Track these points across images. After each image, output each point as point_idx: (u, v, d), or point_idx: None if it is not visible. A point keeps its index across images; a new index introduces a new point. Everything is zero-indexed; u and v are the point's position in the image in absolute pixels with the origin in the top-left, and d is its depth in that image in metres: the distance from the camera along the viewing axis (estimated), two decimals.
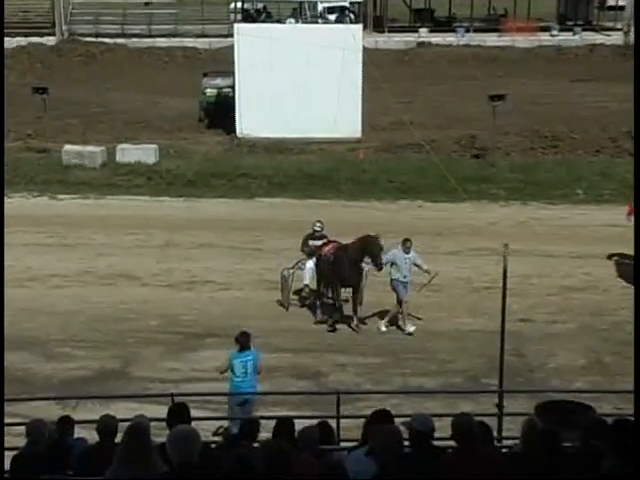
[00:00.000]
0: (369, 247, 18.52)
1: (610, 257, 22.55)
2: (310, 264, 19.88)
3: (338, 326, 19.26)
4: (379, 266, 18.52)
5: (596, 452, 6.85)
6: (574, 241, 23.69)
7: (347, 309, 19.40)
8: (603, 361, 17.92)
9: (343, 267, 18.85)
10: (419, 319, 19.24)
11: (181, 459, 6.41)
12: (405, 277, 18.80)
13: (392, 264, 18.81)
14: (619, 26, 65.16)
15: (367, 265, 18.89)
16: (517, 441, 9.00)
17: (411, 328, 18.97)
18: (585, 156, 33.35)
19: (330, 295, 19.78)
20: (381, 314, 19.49)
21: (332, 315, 19.30)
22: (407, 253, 18.83)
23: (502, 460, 8.56)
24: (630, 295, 20.46)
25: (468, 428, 8.02)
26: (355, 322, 19.11)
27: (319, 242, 19.94)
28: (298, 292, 20.27)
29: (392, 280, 18.92)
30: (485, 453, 8.22)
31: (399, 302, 18.96)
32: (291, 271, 19.98)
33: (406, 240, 18.93)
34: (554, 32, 65.53)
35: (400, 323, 19.23)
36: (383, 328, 19.16)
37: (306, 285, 20.04)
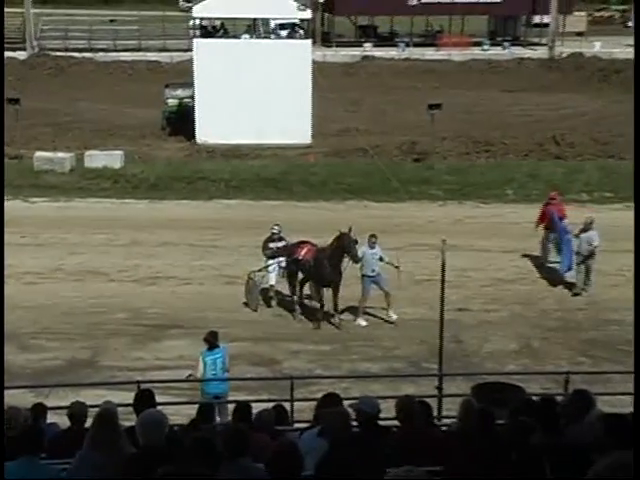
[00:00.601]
0: (343, 243, 18.20)
1: None
2: (274, 267, 19.63)
3: (295, 316, 19.32)
4: (355, 259, 18.20)
5: (525, 427, 6.90)
6: (505, 237, 23.86)
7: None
8: (532, 346, 18.08)
9: (324, 269, 18.55)
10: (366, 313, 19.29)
11: (149, 442, 6.38)
12: (373, 271, 18.60)
13: (363, 257, 18.55)
14: (544, 41, 65.84)
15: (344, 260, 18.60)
16: (455, 420, 9.05)
17: (363, 322, 18.87)
18: (514, 159, 33.63)
19: (313, 295, 19.41)
20: (350, 309, 19.36)
21: (316, 314, 18.94)
22: (372, 248, 18.63)
23: (442, 437, 8.60)
24: (556, 286, 20.77)
25: (410, 409, 8.04)
26: (337, 319, 18.84)
27: (280, 244, 19.69)
28: (264, 293, 20.02)
29: (362, 276, 18.74)
30: (426, 431, 8.24)
31: (363, 296, 18.84)
32: (260, 274, 19.70)
33: (371, 236, 18.76)
34: (485, 47, 66.04)
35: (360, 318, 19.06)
36: (363, 323, 18.88)
37: (272, 286, 19.83)
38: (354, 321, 18.98)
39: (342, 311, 19.11)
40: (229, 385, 14.46)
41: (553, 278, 21.29)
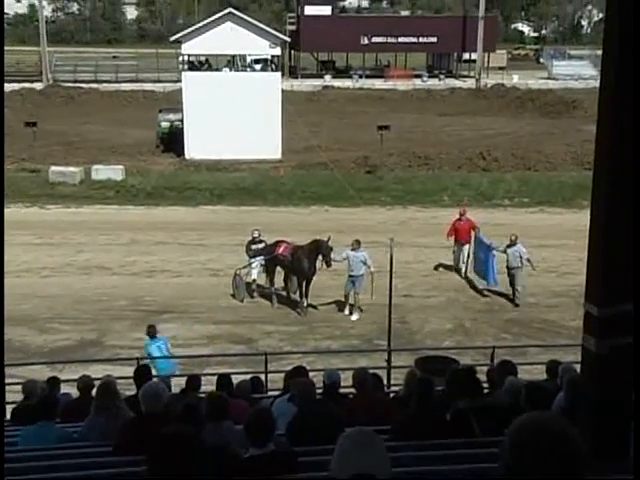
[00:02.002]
0: (320, 248, 17.97)
1: None
2: (256, 264, 19.45)
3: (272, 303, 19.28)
4: (329, 263, 17.88)
5: (456, 393, 6.93)
6: (442, 235, 23.92)
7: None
8: (464, 325, 18.18)
9: (302, 263, 18.36)
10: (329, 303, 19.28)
11: (149, 408, 6.35)
12: (352, 271, 18.20)
13: (347, 259, 18.21)
14: (472, 74, 66.24)
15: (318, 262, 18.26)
16: (401, 387, 9.08)
17: (354, 317, 18.44)
18: (449, 171, 33.75)
19: (287, 287, 19.27)
20: (336, 304, 19.06)
21: (298, 304, 18.74)
22: (355, 252, 18.18)
23: (389, 402, 8.63)
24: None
25: (364, 379, 8.06)
26: (306, 305, 18.62)
27: (260, 245, 19.46)
28: (247, 286, 19.78)
29: (348, 275, 18.36)
30: (377, 397, 8.26)
31: (346, 293, 18.51)
32: (244, 271, 19.51)
33: (354, 241, 18.36)
34: (425, 78, 66.38)
35: (346, 309, 18.73)
36: (354, 317, 18.42)
37: (254, 280, 19.65)
38: (350, 315, 18.50)
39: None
40: (176, 367, 14.28)
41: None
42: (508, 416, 5.82)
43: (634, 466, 3.89)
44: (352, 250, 18.26)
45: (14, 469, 5.69)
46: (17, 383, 11.50)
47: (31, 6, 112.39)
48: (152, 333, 14.31)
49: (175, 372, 14.01)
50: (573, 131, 41.84)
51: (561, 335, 16.72)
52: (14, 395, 11.26)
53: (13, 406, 9.97)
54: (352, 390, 8.36)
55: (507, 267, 19.01)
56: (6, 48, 77.14)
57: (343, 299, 18.72)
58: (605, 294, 4.87)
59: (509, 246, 18.86)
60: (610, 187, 4.76)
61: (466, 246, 20.56)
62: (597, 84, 5.14)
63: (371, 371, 9.05)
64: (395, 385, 12.30)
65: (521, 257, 18.64)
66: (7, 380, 12.42)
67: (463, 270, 20.68)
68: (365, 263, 18.10)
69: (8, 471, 5.63)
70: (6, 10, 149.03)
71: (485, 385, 8.35)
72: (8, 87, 58.24)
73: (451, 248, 21.21)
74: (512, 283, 19.06)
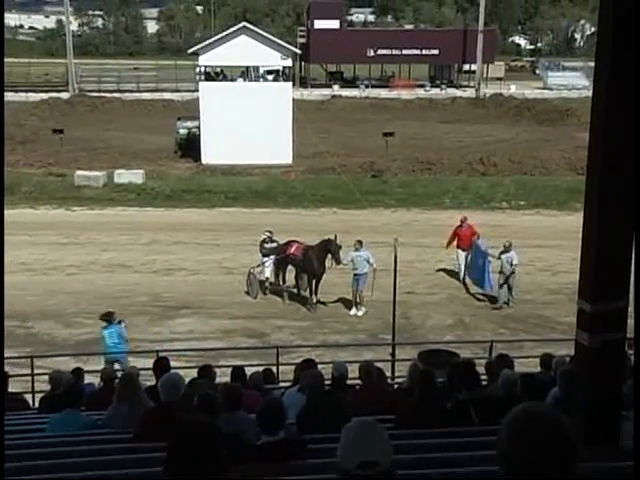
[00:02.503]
0: (329, 247, 17.93)
1: None
2: (269, 263, 19.41)
3: (280, 299, 19.27)
4: (338, 261, 17.84)
5: (456, 385, 6.93)
6: (443, 236, 23.88)
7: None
8: (464, 321, 18.14)
9: (312, 262, 18.33)
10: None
11: (168, 398, 6.36)
12: (356, 270, 18.10)
13: (352, 261, 18.11)
14: (472, 84, 66.16)
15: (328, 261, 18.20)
16: (404, 379, 9.07)
17: (359, 312, 18.34)
18: (450, 176, 33.69)
19: (298, 285, 19.18)
20: (344, 301, 18.93)
21: (308, 301, 18.68)
22: (358, 251, 18.09)
23: (394, 392, 8.62)
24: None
25: (369, 371, 8.06)
26: (315, 302, 18.59)
27: (273, 245, 19.40)
28: (260, 283, 19.72)
29: (353, 274, 18.27)
30: (382, 388, 8.27)
31: (353, 291, 18.42)
32: (257, 270, 19.47)
33: (357, 242, 18.32)
34: (427, 88, 66.32)
35: (353, 309, 18.54)
36: (360, 313, 18.31)
37: (267, 278, 19.61)
38: (356, 312, 18.36)
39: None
40: (125, 358, 14.24)
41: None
42: (504, 406, 5.82)
43: (634, 457, 3.88)
44: (355, 250, 18.20)
45: (42, 454, 5.72)
46: (44, 373, 11.57)
47: (59, 21, 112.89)
48: (107, 319, 14.23)
49: (122, 359, 13.94)
50: (567, 138, 41.71)
51: (555, 330, 16.67)
52: (43, 384, 11.32)
53: (41, 395, 10.02)
54: (358, 381, 8.37)
55: (500, 272, 18.50)
56: (36, 60, 78.00)
57: (351, 297, 18.65)
58: (597, 292, 4.87)
59: (502, 252, 18.40)
60: (602, 191, 4.76)
61: (467, 252, 20.08)
62: (589, 94, 5.14)
63: (376, 364, 9.06)
64: (399, 377, 12.31)
65: (511, 264, 18.18)
66: (36, 371, 12.55)
67: (461, 276, 20.29)
68: (368, 261, 18.05)
69: (36, 456, 5.66)
70: (36, 25, 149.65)
71: (483, 377, 8.34)
72: (37, 97, 58.75)
73: (451, 255, 20.66)
74: (509, 287, 18.58)
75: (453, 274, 20.90)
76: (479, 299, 19.39)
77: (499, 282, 18.58)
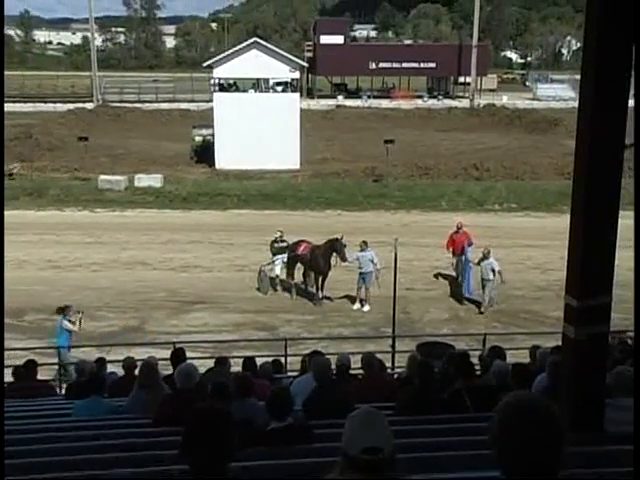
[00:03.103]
0: (335, 246, 17.90)
1: None
2: (278, 261, 19.36)
3: (287, 294, 19.26)
4: (343, 259, 17.82)
5: (452, 375, 6.93)
6: (440, 236, 23.80)
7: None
8: (459, 315, 18.11)
9: (319, 261, 18.29)
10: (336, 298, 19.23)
11: (183, 385, 6.38)
12: (361, 269, 18.02)
13: (357, 260, 18.00)
14: (467, 95, 66.06)
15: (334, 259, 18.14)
16: (404, 369, 9.07)
17: (365, 308, 18.21)
18: (446, 180, 33.63)
19: (305, 281, 19.13)
20: (347, 297, 18.83)
21: (315, 297, 18.64)
22: (363, 251, 17.97)
23: (394, 382, 8.62)
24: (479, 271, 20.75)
25: (371, 362, 8.06)
26: (321, 297, 18.57)
27: (282, 244, 19.32)
28: (270, 280, 19.63)
29: (359, 273, 18.18)
30: (383, 378, 8.26)
31: (358, 287, 18.35)
32: (268, 267, 19.44)
33: (362, 243, 18.17)
34: (425, 99, 66.28)
35: (356, 304, 18.45)
36: (365, 309, 18.16)
37: (277, 276, 19.56)
38: (362, 307, 18.25)
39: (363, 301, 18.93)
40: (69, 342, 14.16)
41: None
42: (496, 395, 5.83)
43: (634, 448, 3.88)
44: (361, 251, 18.11)
45: (68, 437, 5.73)
46: (70, 363, 11.60)
47: (84, 38, 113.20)
48: (61, 312, 14.15)
49: (63, 350, 13.84)
50: (555, 145, 41.62)
51: (544, 324, 16.62)
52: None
53: (67, 383, 10.05)
54: (360, 371, 8.36)
55: (482, 278, 18.02)
56: (63, 74, 78.17)
57: (355, 293, 18.61)
58: (583, 288, 4.87)
59: (481, 260, 17.87)
60: (587, 194, 4.76)
61: (459, 257, 19.55)
62: (576, 104, 5.13)
63: (377, 355, 9.05)
64: (399, 367, 12.30)
65: (493, 270, 17.67)
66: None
67: (459, 279, 19.61)
68: (372, 261, 17.99)
69: (62, 439, 5.67)
70: (64, 41, 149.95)
71: (477, 367, 8.33)
72: (64, 107, 58.96)
73: (447, 254, 20.20)
74: (489, 292, 18.10)
75: (448, 272, 20.86)
76: (464, 303, 18.80)
77: (481, 287, 18.07)
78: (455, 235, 19.77)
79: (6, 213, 28.86)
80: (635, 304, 4.78)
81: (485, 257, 17.79)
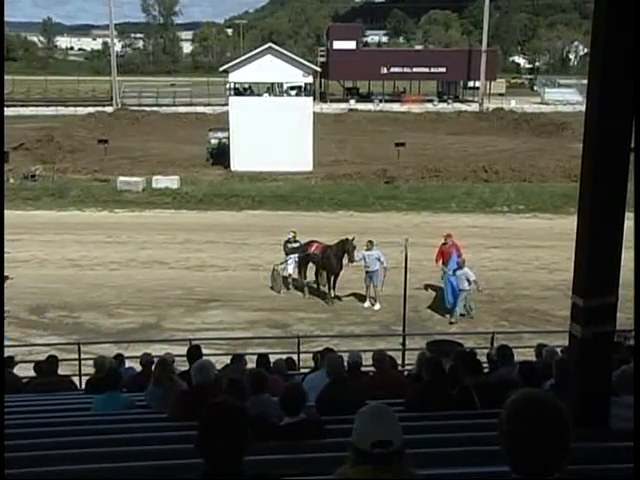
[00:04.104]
0: (346, 246, 17.87)
1: None
2: (291, 261, 19.36)
3: (299, 294, 19.26)
4: (352, 260, 17.81)
5: (461, 372, 6.91)
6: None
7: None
8: (468, 314, 18.01)
9: (330, 260, 18.27)
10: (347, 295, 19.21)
11: (199, 381, 6.39)
12: (368, 268, 17.97)
13: (364, 259, 17.95)
14: (476, 99, 65.93)
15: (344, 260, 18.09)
16: (414, 366, 9.04)
17: (376, 307, 18.09)
18: (455, 182, 33.55)
19: (318, 281, 19.06)
20: (358, 296, 18.70)
21: (327, 295, 18.61)
22: (369, 250, 17.95)
23: (404, 378, 8.60)
24: (482, 271, 20.69)
25: (382, 359, 8.05)
26: (332, 296, 18.53)
27: (295, 244, 19.38)
28: (283, 279, 19.62)
29: (366, 272, 18.13)
30: (393, 375, 8.25)
31: (366, 286, 18.27)
32: (281, 267, 19.44)
33: (368, 242, 18.17)
34: (435, 103, 66.20)
35: (367, 302, 18.34)
36: (376, 307, 18.02)
37: (289, 275, 19.56)
38: (372, 306, 18.11)
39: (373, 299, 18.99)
40: None
41: (484, 265, 21.24)
42: (504, 392, 5.80)
43: (634, 444, 3.86)
44: (367, 250, 18.08)
45: (89, 430, 5.76)
46: (90, 358, 11.64)
47: (104, 43, 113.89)
48: None
49: None
50: (562, 148, 41.43)
51: (551, 323, 16.55)
52: (88, 368, 11.39)
53: (87, 378, 10.09)
54: (371, 368, 8.35)
55: (458, 289, 17.31)
56: (84, 78, 78.49)
57: (364, 292, 18.58)
58: (590, 288, 4.86)
59: (456, 270, 17.21)
60: (594, 196, 4.75)
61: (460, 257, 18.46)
62: (583, 108, 5.11)
63: (388, 352, 9.03)
64: (409, 364, 12.26)
65: (468, 280, 17.07)
66: (82, 356, 12.63)
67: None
68: (379, 260, 17.95)
69: (83, 432, 5.70)
70: (84, 47, 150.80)
71: (485, 365, 8.31)
72: (84, 111, 59.32)
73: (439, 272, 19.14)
74: (466, 301, 17.51)
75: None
76: (452, 322, 17.60)
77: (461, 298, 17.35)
78: (444, 247, 18.88)
79: (29, 213, 29.28)
80: (635, 304, 4.76)
81: (460, 267, 17.18)
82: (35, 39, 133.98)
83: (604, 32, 4.55)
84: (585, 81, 5.18)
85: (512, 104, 64.14)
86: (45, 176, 33.86)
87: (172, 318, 17.58)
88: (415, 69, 66.40)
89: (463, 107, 64.28)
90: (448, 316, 17.43)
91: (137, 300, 18.79)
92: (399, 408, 5.95)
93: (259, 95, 38.83)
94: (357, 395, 6.03)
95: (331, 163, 37.65)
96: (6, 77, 74.37)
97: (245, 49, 76.66)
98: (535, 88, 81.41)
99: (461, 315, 17.44)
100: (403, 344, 14.23)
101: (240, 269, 21.38)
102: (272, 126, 34.62)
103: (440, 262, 18.79)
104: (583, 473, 3.93)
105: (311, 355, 11.05)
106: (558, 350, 8.23)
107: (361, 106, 63.62)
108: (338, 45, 65.53)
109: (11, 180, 32.26)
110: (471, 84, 69.78)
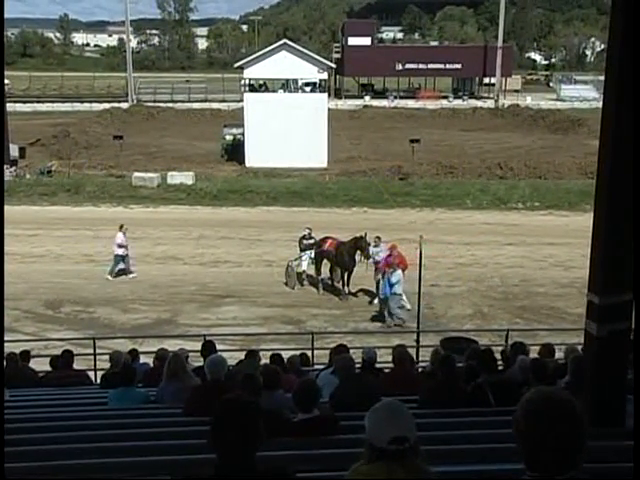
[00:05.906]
0: (359, 243, 17.87)
1: None
2: (306, 257, 19.41)
3: (314, 290, 19.26)
4: (366, 256, 17.79)
5: (475, 369, 6.89)
6: (464, 233, 23.81)
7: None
8: (482, 311, 17.96)
9: (344, 257, 18.28)
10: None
11: (213, 376, 6.41)
12: (376, 263, 17.90)
13: (372, 255, 17.92)
14: (491, 96, 65.58)
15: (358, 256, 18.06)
16: (428, 363, 9.03)
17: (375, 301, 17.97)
18: (470, 179, 33.44)
19: (332, 277, 19.05)
20: (370, 292, 18.51)
21: (341, 292, 18.61)
22: (377, 247, 18.02)
23: (418, 375, 8.59)
24: (500, 270, 20.64)
25: (403, 356, 8.03)
26: (347, 293, 18.55)
27: (310, 241, 19.38)
28: (298, 275, 19.62)
29: (374, 268, 18.09)
30: (409, 371, 8.23)
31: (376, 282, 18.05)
32: (295, 263, 19.46)
33: (376, 237, 18.25)
34: (450, 99, 65.88)
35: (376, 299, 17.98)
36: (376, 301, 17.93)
37: (304, 271, 19.59)
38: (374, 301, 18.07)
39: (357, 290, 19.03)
40: None
41: (499, 262, 21.18)
42: (519, 389, 5.78)
43: (634, 440, 3.83)
44: (375, 246, 18.08)
45: (103, 425, 5.80)
46: (105, 353, 11.71)
47: (120, 40, 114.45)
48: None
49: None
50: (578, 145, 41.18)
51: (566, 320, 16.47)
52: (103, 363, 11.46)
53: (102, 372, 10.15)
54: (387, 365, 8.34)
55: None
56: (99, 74, 78.86)
57: (374, 289, 18.53)
58: (605, 285, 4.83)
59: (384, 274, 16.72)
60: (610, 193, 4.71)
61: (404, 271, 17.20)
62: (599, 105, 5.08)
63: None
64: (423, 361, 12.23)
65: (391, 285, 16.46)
66: (97, 351, 12.71)
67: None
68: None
69: (98, 426, 5.73)
70: (100, 43, 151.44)
71: (500, 362, 8.28)
72: (100, 106, 59.58)
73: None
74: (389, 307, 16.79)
75: (472, 268, 20.76)
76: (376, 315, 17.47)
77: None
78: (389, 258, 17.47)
79: (45, 209, 29.44)
80: (635, 304, 4.73)
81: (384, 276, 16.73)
82: (52, 35, 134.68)
83: (621, 28, 4.51)
84: (602, 77, 5.15)
85: (528, 100, 63.77)
86: (61, 172, 34.05)
87: (186, 314, 17.63)
88: (430, 65, 66.15)
89: (478, 103, 63.94)
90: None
91: (152, 295, 18.85)
92: (413, 405, 5.94)
93: (274, 91, 38.87)
94: (371, 392, 6.03)
95: (345, 159, 37.60)
96: (23, 73, 74.96)
97: (260, 45, 76.72)
98: (551, 84, 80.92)
99: (399, 319, 16.69)
100: (417, 341, 14.21)
101: (254, 265, 21.40)
102: (287, 122, 34.64)
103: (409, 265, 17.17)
104: (598, 472, 3.91)
105: (325, 351, 11.06)
106: (579, 347, 8.18)
107: (376, 102, 63.46)
108: (353, 41, 65.39)
109: (27, 176, 32.49)
110: (487, 80, 69.37)
